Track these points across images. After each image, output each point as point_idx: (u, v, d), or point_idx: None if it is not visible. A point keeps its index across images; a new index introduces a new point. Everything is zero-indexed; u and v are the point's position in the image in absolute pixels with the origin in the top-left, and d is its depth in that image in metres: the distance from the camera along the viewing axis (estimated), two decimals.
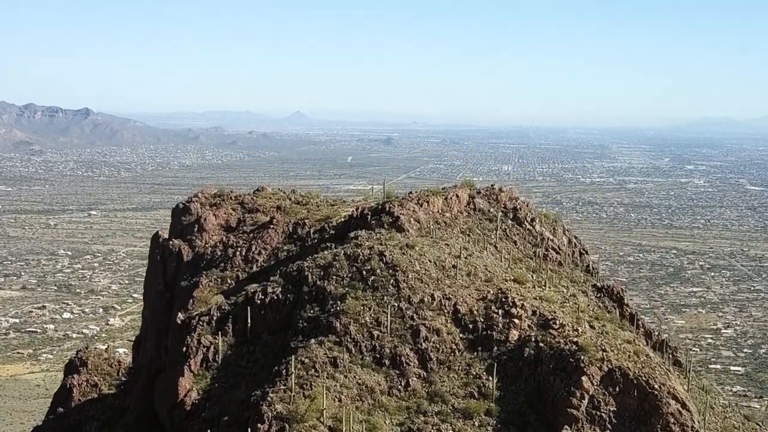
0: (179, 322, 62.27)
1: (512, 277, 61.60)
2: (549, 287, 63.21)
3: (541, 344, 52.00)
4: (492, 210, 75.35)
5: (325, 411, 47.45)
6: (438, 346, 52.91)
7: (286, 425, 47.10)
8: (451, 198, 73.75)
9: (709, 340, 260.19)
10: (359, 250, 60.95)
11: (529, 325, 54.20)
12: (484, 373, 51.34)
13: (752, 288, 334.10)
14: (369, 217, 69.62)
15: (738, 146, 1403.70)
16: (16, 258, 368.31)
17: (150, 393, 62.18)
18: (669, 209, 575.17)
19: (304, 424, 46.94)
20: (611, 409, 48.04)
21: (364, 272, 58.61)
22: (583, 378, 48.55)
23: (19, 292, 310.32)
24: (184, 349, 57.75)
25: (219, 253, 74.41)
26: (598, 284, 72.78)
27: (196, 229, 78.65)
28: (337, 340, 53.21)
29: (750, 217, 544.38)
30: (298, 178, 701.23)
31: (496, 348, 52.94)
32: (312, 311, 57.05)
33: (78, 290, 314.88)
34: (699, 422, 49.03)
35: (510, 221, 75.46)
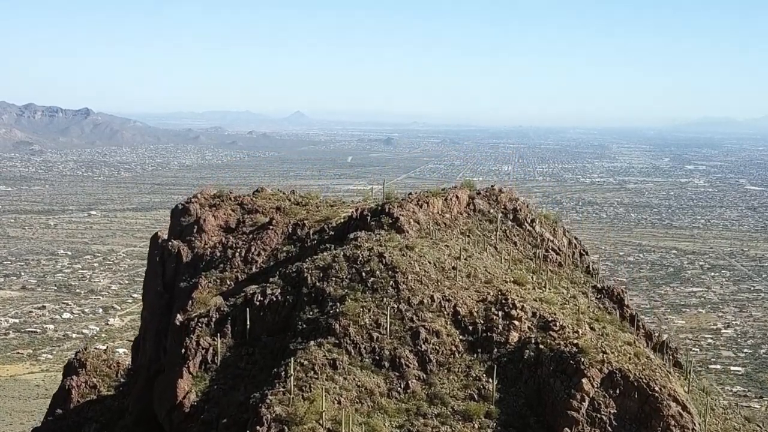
0: (178, 323, 62.09)
1: (512, 279, 61.40)
2: (549, 289, 63.00)
3: (542, 346, 51.78)
4: (492, 211, 75.15)
5: (324, 413, 47.25)
6: (438, 347, 52.71)
7: (285, 427, 46.92)
8: (450, 199, 73.54)
9: (709, 340, 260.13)
10: (359, 252, 60.78)
11: (529, 327, 54.00)
12: (484, 375, 51.13)
13: (752, 288, 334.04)
14: (369, 218, 69.45)
15: (738, 146, 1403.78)
16: (16, 258, 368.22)
17: (149, 394, 62.00)
18: (669, 209, 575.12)
19: (303, 426, 46.74)
20: (612, 411, 47.83)
21: (363, 274, 58.41)
22: (584, 380, 48.34)
23: (19, 292, 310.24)
24: (183, 350, 57.57)
25: (218, 254, 74.25)
26: (599, 285, 72.54)
27: (195, 230, 78.47)
28: (337, 341, 53.00)
29: (750, 217, 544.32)
30: (298, 178, 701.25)
31: (496, 350, 52.73)
32: (311, 313, 56.85)
33: (78, 290, 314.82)
34: (700, 424, 48.84)
35: (510, 222, 75.26)
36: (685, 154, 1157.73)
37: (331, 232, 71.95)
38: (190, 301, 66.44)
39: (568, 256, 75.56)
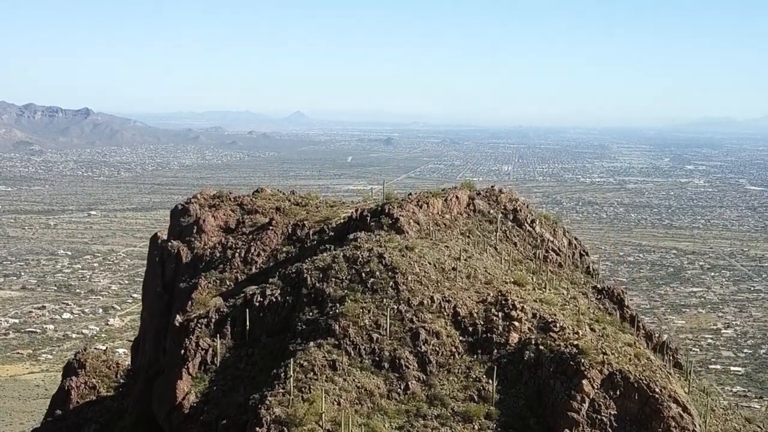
0: (177, 324, 61.97)
1: (512, 280, 61.31)
2: (549, 289, 62.91)
3: (542, 347, 51.67)
4: (492, 211, 75.06)
5: (323, 414, 47.14)
6: (437, 349, 52.60)
7: (285, 429, 46.80)
8: (450, 199, 73.45)
9: (709, 341, 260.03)
10: (358, 252, 60.67)
11: (529, 328, 53.89)
12: (484, 376, 51.02)
13: (752, 288, 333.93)
14: (368, 218, 69.36)
15: (738, 146, 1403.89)
16: (15, 258, 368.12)
17: (148, 395, 61.89)
18: (669, 209, 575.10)
19: (302, 427, 46.63)
20: (612, 412, 47.73)
21: (363, 274, 58.30)
22: (584, 381, 48.24)
23: (19, 292, 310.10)
24: (183, 351, 57.46)
25: (218, 255, 74.19)
26: (599, 286, 72.46)
27: (195, 231, 78.42)
28: (336, 342, 52.90)
29: (750, 217, 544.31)
30: (298, 178, 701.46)
31: (496, 351, 52.62)
32: (311, 314, 56.74)
33: (78, 290, 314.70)
34: (700, 426, 48.74)
35: (510, 223, 75.16)
36: (685, 154, 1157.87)
37: (331, 233, 71.88)
38: (189, 302, 66.34)
39: (568, 256, 75.48)
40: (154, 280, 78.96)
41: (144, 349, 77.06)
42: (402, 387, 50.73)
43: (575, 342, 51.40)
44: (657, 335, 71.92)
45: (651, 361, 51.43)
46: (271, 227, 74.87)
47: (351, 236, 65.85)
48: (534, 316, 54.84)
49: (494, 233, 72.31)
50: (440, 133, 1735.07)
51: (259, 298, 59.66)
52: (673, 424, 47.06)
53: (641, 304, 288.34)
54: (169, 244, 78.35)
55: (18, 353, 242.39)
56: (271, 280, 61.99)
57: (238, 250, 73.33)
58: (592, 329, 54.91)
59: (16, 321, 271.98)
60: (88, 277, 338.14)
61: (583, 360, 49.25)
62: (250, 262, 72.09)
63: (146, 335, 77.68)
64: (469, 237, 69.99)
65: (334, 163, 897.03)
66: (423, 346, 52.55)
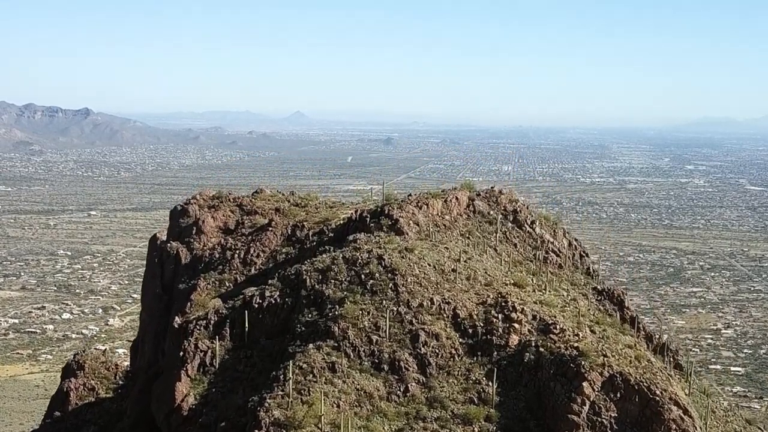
0: (176, 326, 61.76)
1: (512, 281, 61.10)
2: (549, 291, 62.71)
3: (542, 349, 51.50)
4: (492, 212, 74.86)
5: (323, 417, 46.98)
6: (437, 351, 52.42)
7: (284, 431, 46.63)
8: (450, 200, 73.24)
9: (709, 341, 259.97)
10: (358, 254, 60.47)
11: (529, 330, 53.71)
12: (484, 379, 50.85)
13: (752, 288, 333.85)
14: (368, 219, 69.18)
15: (738, 146, 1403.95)
16: (15, 258, 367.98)
17: (147, 397, 61.69)
18: (669, 209, 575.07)
19: (301, 430, 46.48)
20: (612, 415, 47.54)
21: (362, 276, 58.11)
22: (584, 384, 48.05)
23: (19, 292, 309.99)
24: (182, 353, 57.26)
25: (217, 256, 74.02)
26: (599, 287, 72.24)
27: (194, 232, 78.23)
28: (336, 344, 52.71)
29: (750, 217, 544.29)
30: (298, 178, 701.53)
31: (495, 353, 52.44)
32: (310, 315, 56.54)
33: (77, 290, 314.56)
34: (701, 428, 48.58)
35: (510, 224, 74.94)
36: (685, 154, 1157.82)
37: (331, 234, 71.71)
38: (188, 303, 66.16)
39: (569, 257, 75.29)
40: (153, 281, 78.79)
41: (143, 351, 76.89)
42: (401, 389, 50.55)
43: (575, 344, 51.22)
44: (657, 336, 71.75)
45: (652, 363, 51.25)
46: (270, 228, 74.70)
47: (350, 237, 65.67)
48: (534, 318, 54.65)
49: (494, 234, 72.12)
50: (440, 133, 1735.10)
51: (258, 300, 59.47)
52: (674, 426, 46.88)
53: (641, 304, 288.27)
54: (169, 245, 78.18)
55: (18, 353, 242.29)
56: (270, 281, 61.80)
57: (238, 251, 73.15)
58: (592, 331, 54.74)
59: (16, 321, 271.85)
60: (87, 277, 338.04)
61: (583, 362, 49.07)
62: (250, 263, 71.91)
63: (145, 336, 77.51)
64: (468, 238, 69.79)
65: (334, 163, 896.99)
66: (422, 348, 52.37)
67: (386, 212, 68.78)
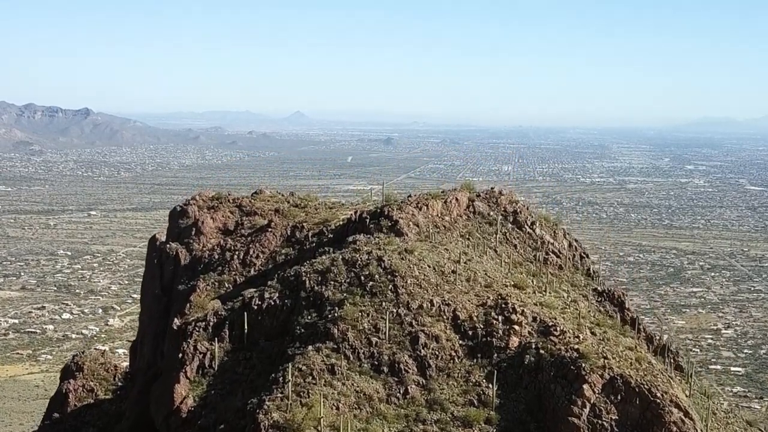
0: (175, 327, 61.59)
1: (512, 283, 60.89)
2: (549, 292, 62.52)
3: (542, 351, 51.28)
4: (492, 213, 74.67)
5: (322, 419, 46.74)
6: (437, 352, 52.21)
7: None
8: (450, 201, 73.05)
9: (710, 341, 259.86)
10: (357, 255, 60.27)
11: (529, 332, 53.50)
12: (484, 381, 50.63)
13: (752, 288, 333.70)
14: (367, 220, 68.99)
15: (738, 146, 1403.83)
16: (15, 258, 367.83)
17: (146, 399, 61.48)
18: (669, 209, 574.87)
19: None
20: (613, 417, 47.32)
21: (362, 278, 57.90)
22: (585, 386, 47.84)
23: (19, 292, 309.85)
24: (181, 355, 57.06)
25: (216, 257, 73.83)
26: (599, 288, 72.08)
27: (193, 233, 78.04)
28: (335, 346, 52.50)
29: (750, 217, 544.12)
30: (298, 178, 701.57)
31: (496, 355, 52.23)
32: (309, 317, 56.33)
33: (77, 291, 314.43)
34: (701, 430, 48.37)
35: (510, 225, 74.75)
36: (685, 154, 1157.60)
37: (330, 235, 71.53)
38: (188, 305, 65.97)
39: (569, 258, 75.11)
40: (153, 282, 78.61)
41: (142, 352, 76.71)
42: (401, 391, 50.34)
43: (576, 346, 51.01)
44: (658, 337, 71.57)
45: (652, 365, 51.04)
46: (269, 229, 74.52)
47: (350, 239, 65.47)
48: (534, 319, 54.45)
49: (494, 235, 71.93)
50: (440, 133, 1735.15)
51: (257, 302, 59.26)
52: (675, 429, 46.66)
53: (641, 304, 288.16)
54: (168, 246, 77.98)
55: (18, 354, 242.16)
56: (269, 283, 61.57)
57: (237, 252, 72.97)
58: (592, 333, 54.53)
59: (16, 321, 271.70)
60: (87, 277, 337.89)
61: (583, 364, 48.85)
62: (249, 264, 71.73)
63: (144, 337, 77.33)
64: (468, 239, 69.59)
65: (334, 163, 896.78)
66: (422, 350, 52.16)
67: (386, 213, 68.60)
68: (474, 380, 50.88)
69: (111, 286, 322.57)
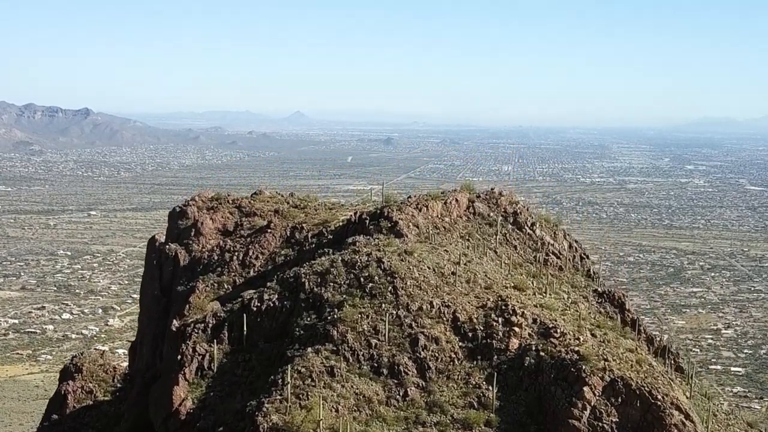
0: (174, 329, 61.43)
1: (512, 284, 60.71)
2: (550, 294, 62.34)
3: (542, 353, 51.08)
4: (492, 214, 74.48)
5: (321, 422, 46.56)
6: (437, 354, 52.03)
7: None
8: (450, 202, 72.85)
9: (710, 341, 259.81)
10: (357, 257, 60.09)
11: (529, 334, 53.31)
12: (484, 383, 50.44)
13: (752, 288, 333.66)
14: (367, 221, 68.82)
15: (738, 146, 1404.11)
16: (15, 258, 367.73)
17: (145, 400, 61.29)
18: (669, 209, 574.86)
19: None
20: (613, 420, 47.13)
21: (361, 279, 57.73)
22: (585, 388, 47.65)
23: (19, 292, 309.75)
24: (179, 356, 56.90)
25: (216, 258, 73.65)
26: (600, 289, 71.88)
27: (192, 233, 77.84)
28: (334, 348, 52.32)
29: (750, 217, 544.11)
30: (298, 178, 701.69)
31: (496, 357, 52.04)
32: (309, 319, 56.17)
33: (77, 291, 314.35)
34: None
35: (510, 226, 74.52)
36: (685, 154, 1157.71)
37: (330, 236, 71.35)
38: (187, 306, 65.81)
39: (569, 259, 74.91)
40: (152, 283, 78.45)
41: (141, 353, 76.56)
42: (401, 393, 50.15)
43: (576, 348, 50.83)
44: (658, 339, 71.41)
45: (653, 367, 50.87)
46: (269, 230, 74.34)
47: (350, 240, 65.31)
48: (534, 321, 54.26)
49: (494, 236, 71.73)
50: (440, 133, 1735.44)
51: (256, 303, 59.08)
52: (676, 431, 46.50)
53: (641, 304, 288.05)
54: (167, 246, 77.81)
55: (17, 354, 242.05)
56: (269, 284, 61.38)
57: (236, 253, 72.80)
58: (593, 335, 54.33)
59: (16, 321, 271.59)
60: (87, 277, 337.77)
61: (584, 366, 48.68)
62: (248, 265, 71.56)
63: (144, 339, 77.16)
64: (468, 240, 69.39)
65: (334, 163, 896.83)
66: (422, 352, 51.98)
67: (385, 214, 68.42)
68: (474, 382, 50.70)
69: (111, 286, 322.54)
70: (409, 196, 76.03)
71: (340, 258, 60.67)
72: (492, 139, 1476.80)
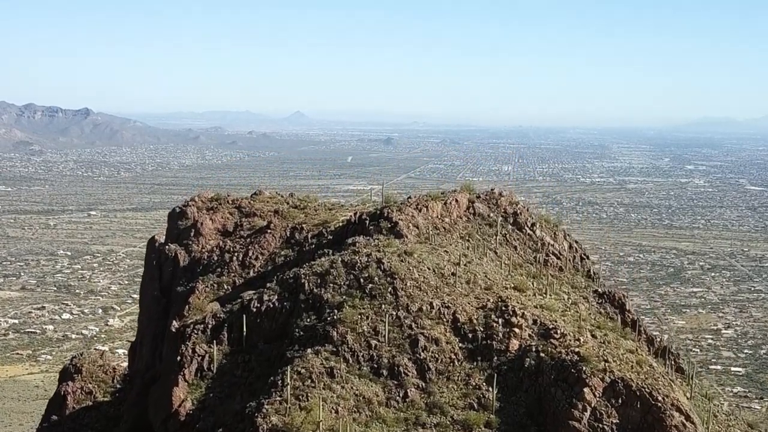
0: (174, 330, 61.33)
1: (512, 285, 60.63)
2: (550, 294, 62.25)
3: (542, 354, 50.97)
4: (492, 215, 74.40)
5: (321, 423, 46.46)
6: (437, 356, 51.92)
7: None
8: (450, 203, 72.78)
9: (710, 341, 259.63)
10: (357, 257, 59.99)
11: (529, 335, 53.20)
12: (484, 384, 50.33)
13: (752, 288, 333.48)
14: (367, 222, 68.73)
15: (738, 146, 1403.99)
16: (15, 258, 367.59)
17: (144, 401, 61.21)
18: (669, 209, 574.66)
19: None
20: (614, 421, 47.02)
21: (361, 280, 57.63)
22: (585, 389, 47.53)
23: (19, 292, 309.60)
24: (179, 357, 56.78)
25: (215, 258, 73.59)
26: (600, 290, 71.78)
27: (192, 234, 77.79)
28: (334, 349, 52.21)
29: (750, 217, 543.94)
30: (298, 178, 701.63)
31: (496, 358, 51.92)
32: (308, 320, 56.07)
33: (77, 291, 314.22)
34: None
35: (510, 226, 74.46)
36: (685, 154, 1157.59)
37: (329, 237, 71.28)
38: (186, 307, 65.73)
39: (569, 260, 74.81)
40: (152, 283, 78.37)
41: (141, 354, 76.47)
42: (401, 395, 50.04)
43: (576, 349, 50.71)
44: (659, 339, 71.31)
45: (653, 368, 50.77)
46: (269, 230, 74.27)
47: (349, 240, 65.23)
48: (534, 322, 54.14)
49: (494, 237, 71.65)
50: (440, 133, 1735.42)
51: (256, 304, 58.97)
52: None
53: (641, 304, 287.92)
54: (167, 247, 77.76)
55: (17, 354, 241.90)
56: (268, 285, 61.28)
57: (236, 254, 72.73)
58: (593, 336, 54.21)
59: (16, 321, 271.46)
60: (87, 277, 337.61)
61: (584, 367, 48.56)
62: (248, 265, 71.49)
63: (143, 339, 77.08)
64: (468, 241, 69.30)
65: (334, 163, 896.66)
66: (422, 353, 51.87)
67: (385, 215, 68.34)
68: (474, 383, 50.59)
69: (111, 286, 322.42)
70: (409, 197, 75.98)
71: (339, 259, 60.59)
72: (492, 139, 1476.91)
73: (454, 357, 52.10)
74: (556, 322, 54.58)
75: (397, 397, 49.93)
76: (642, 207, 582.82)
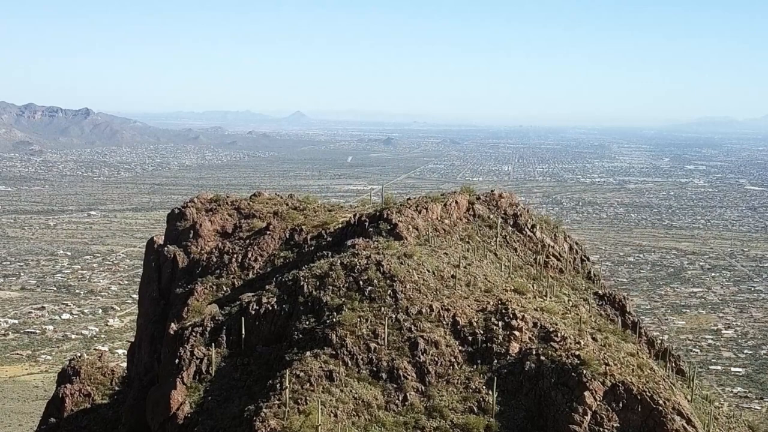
0: (172, 332, 61.03)
1: (512, 288, 60.33)
2: (550, 297, 61.98)
3: (543, 357, 50.71)
4: (492, 216, 74.13)
5: (320, 427, 46.25)
6: (436, 359, 51.68)
7: None
8: (450, 204, 72.49)
9: (710, 341, 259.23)
10: (356, 260, 59.70)
11: (530, 338, 52.94)
12: (484, 387, 50.08)
13: (752, 288, 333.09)
14: (366, 224, 68.43)
15: (738, 146, 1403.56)
16: (15, 258, 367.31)
17: (143, 404, 60.93)
18: (669, 209, 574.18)
19: None
20: (614, 425, 46.78)
21: (361, 282, 57.36)
22: (586, 393, 47.30)
23: (19, 292, 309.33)
24: (177, 360, 56.55)
25: (214, 260, 73.28)
26: (600, 292, 71.52)
27: (191, 235, 77.47)
28: (333, 352, 51.96)
29: (750, 217, 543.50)
30: (298, 178, 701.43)
31: (496, 361, 51.67)
32: (307, 322, 55.80)
33: (77, 291, 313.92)
34: None
35: (510, 228, 74.20)
36: (685, 154, 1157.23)
37: (329, 239, 70.94)
38: (185, 308, 65.43)
39: (569, 262, 74.54)
40: (150, 285, 78.06)
41: (140, 356, 76.16)
42: (400, 398, 49.81)
43: (577, 352, 50.45)
44: (659, 341, 71.03)
45: (654, 372, 50.50)
46: (268, 232, 73.95)
47: (349, 242, 64.93)
48: (535, 325, 53.86)
49: (494, 239, 71.37)
50: (440, 133, 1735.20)
51: (255, 306, 58.71)
52: None
53: (641, 304, 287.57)
54: (166, 248, 77.44)
55: (17, 354, 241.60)
56: (267, 287, 61.03)
57: (235, 256, 72.42)
58: (593, 339, 53.92)
59: (16, 322, 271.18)
60: (87, 277, 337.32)
61: (585, 371, 48.31)
62: (247, 267, 71.17)
63: (142, 341, 76.77)
64: (468, 243, 69.01)
65: (334, 163, 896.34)
66: (421, 356, 51.62)
67: (385, 216, 68.03)
68: (474, 387, 50.34)
69: (111, 287, 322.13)
70: (409, 198, 75.73)
71: (339, 261, 60.31)
72: (492, 139, 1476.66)
73: (453, 360, 51.84)
74: (556, 324, 54.30)
75: (397, 401, 49.69)
76: (642, 207, 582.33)
